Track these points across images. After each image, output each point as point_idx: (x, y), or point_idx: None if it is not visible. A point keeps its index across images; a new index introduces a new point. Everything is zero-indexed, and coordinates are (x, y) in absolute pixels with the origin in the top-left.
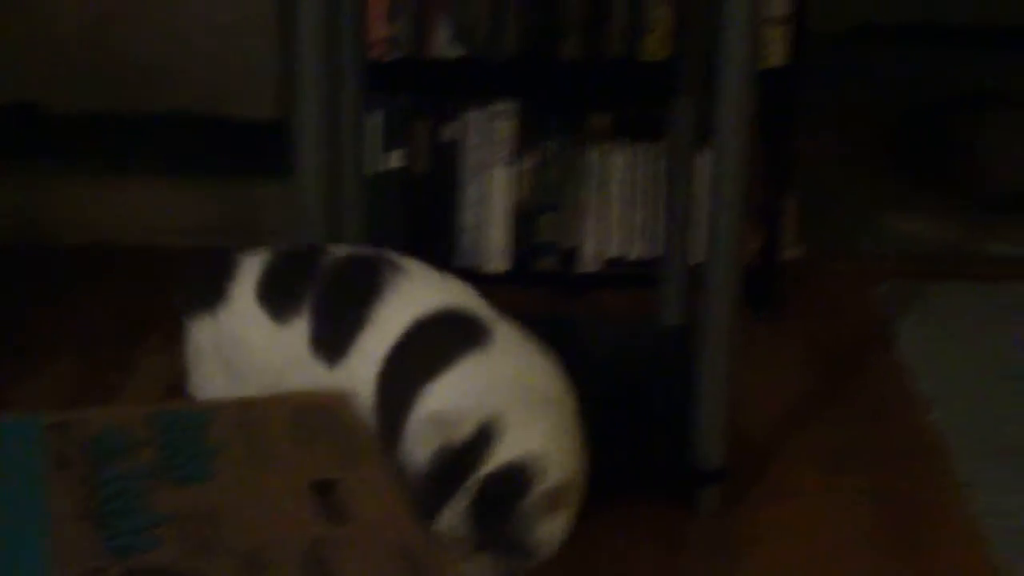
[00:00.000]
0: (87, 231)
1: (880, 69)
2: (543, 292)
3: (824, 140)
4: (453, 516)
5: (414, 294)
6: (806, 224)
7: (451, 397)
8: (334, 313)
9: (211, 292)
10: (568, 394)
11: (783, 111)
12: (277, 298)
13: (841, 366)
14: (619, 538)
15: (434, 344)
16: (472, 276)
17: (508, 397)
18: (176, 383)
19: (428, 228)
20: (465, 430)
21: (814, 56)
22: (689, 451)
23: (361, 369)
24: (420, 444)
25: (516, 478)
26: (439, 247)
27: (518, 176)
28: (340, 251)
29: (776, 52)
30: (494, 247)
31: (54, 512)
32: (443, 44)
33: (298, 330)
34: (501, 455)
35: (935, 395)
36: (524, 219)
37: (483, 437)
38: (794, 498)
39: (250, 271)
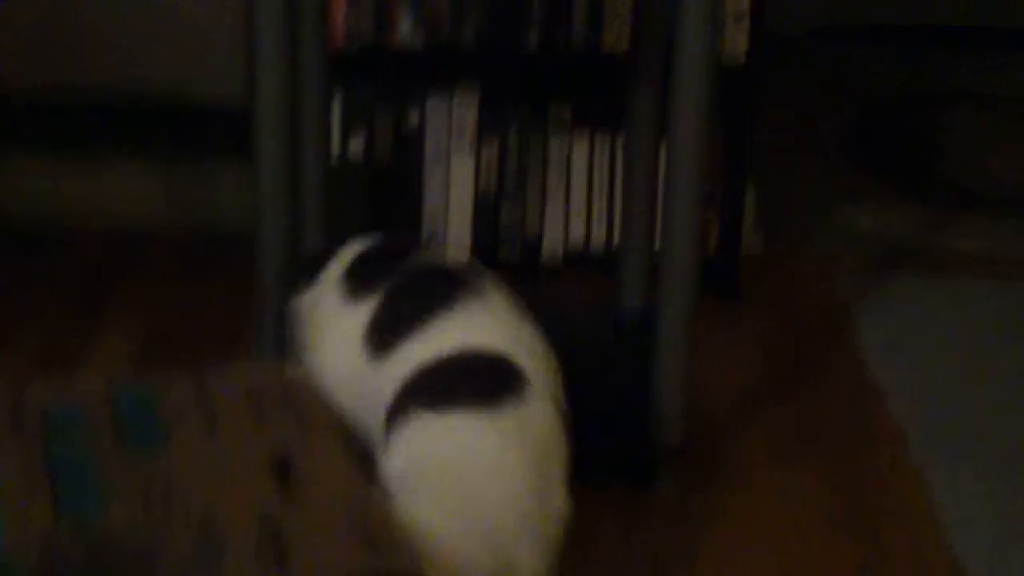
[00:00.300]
0: (45, 214)
1: (842, 68)
2: (505, 279)
3: (784, 135)
4: None
5: (462, 327)
6: (765, 217)
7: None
8: (395, 311)
9: (312, 270)
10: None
11: (742, 105)
12: (354, 281)
13: (800, 355)
14: (577, 514)
15: (431, 388)
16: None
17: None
18: (135, 362)
19: (390, 216)
20: None
21: (775, 53)
22: (648, 431)
23: (393, 374)
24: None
25: None
26: (403, 235)
27: (480, 165)
28: (433, 257)
29: (736, 48)
30: (456, 235)
31: (8, 479)
32: (405, 33)
33: (360, 315)
34: None
35: (892, 384)
36: (486, 207)
37: None
38: (752, 480)
39: (347, 254)
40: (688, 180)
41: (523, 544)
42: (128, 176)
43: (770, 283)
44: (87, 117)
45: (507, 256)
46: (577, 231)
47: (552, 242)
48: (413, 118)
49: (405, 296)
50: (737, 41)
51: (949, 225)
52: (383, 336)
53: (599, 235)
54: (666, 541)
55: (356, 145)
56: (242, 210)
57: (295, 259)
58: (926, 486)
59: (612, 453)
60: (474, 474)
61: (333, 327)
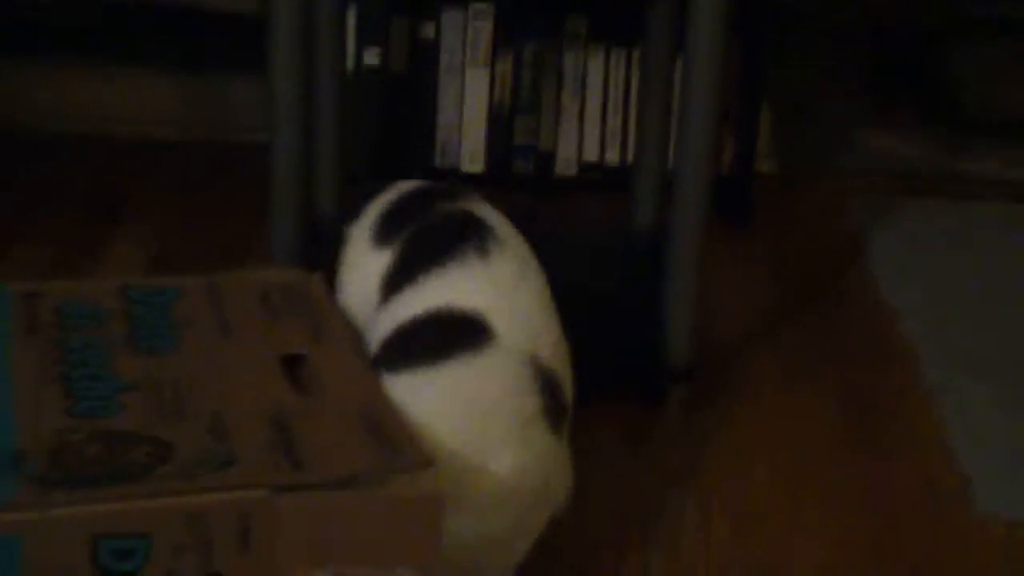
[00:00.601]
0: (57, 122)
1: None
2: (519, 194)
3: (800, 58)
4: None
5: (451, 285)
6: (779, 139)
7: None
8: (401, 263)
9: (357, 211)
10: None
11: (760, 23)
12: (384, 226)
13: (812, 276)
14: (585, 434)
15: (393, 347)
16: (450, 176)
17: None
18: (147, 270)
19: (405, 127)
20: None
21: None
22: (658, 351)
23: (380, 330)
24: None
25: None
26: (416, 147)
27: (494, 78)
28: (463, 203)
29: None
30: (470, 148)
31: (21, 376)
32: None
33: (383, 261)
34: None
35: (904, 306)
36: (500, 121)
37: None
38: (762, 399)
39: (386, 196)
40: (704, 98)
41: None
42: (141, 84)
43: (783, 205)
44: (99, 23)
45: (521, 170)
46: (591, 147)
47: (566, 157)
48: (428, 30)
49: (413, 248)
50: None
51: (963, 150)
52: (386, 288)
53: (613, 151)
54: (674, 459)
55: (371, 56)
56: (256, 119)
57: (352, 194)
58: (937, 407)
59: (621, 372)
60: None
61: (359, 270)
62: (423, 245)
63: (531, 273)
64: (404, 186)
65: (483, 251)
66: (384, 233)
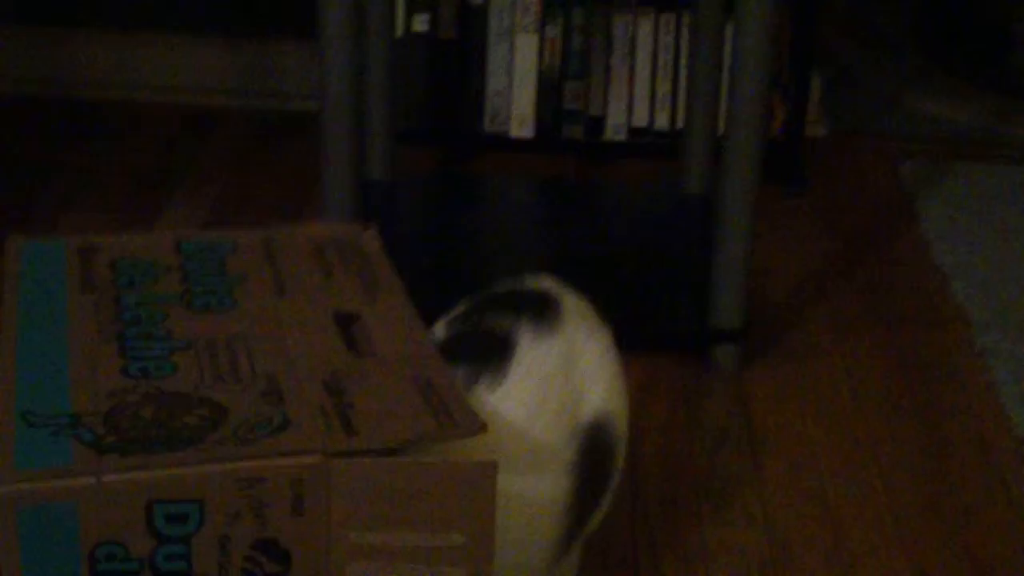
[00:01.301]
0: (105, 87)
1: None
2: (568, 159)
3: (850, 22)
4: None
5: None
6: (829, 103)
7: None
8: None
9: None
10: None
11: None
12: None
13: (863, 239)
14: (634, 393)
15: None
16: (500, 141)
17: None
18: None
19: (454, 93)
20: None
21: None
22: (709, 311)
23: None
24: None
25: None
26: (465, 113)
27: (543, 43)
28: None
29: None
30: (520, 114)
31: (77, 335)
32: None
33: None
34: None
35: (955, 267)
36: (549, 86)
37: None
38: (811, 360)
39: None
40: (754, 62)
41: None
42: (195, 52)
43: (833, 169)
44: None
45: (570, 136)
46: (641, 112)
47: (615, 123)
48: None
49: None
50: None
51: (1012, 114)
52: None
53: (663, 116)
54: (726, 417)
55: (420, 23)
56: (305, 87)
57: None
58: (988, 368)
59: (667, 331)
60: None
61: None
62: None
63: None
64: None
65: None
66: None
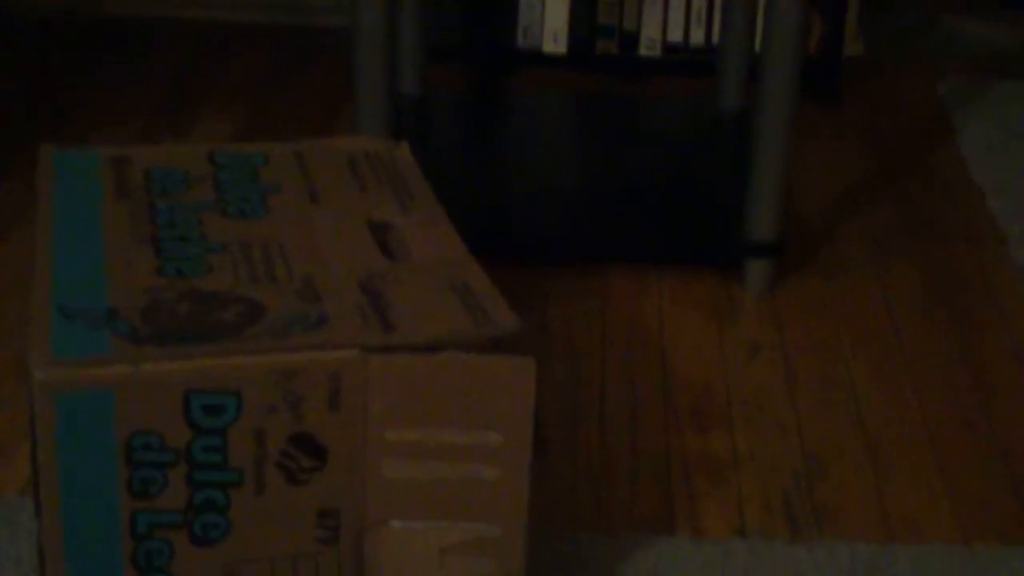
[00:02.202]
0: (132, 2)
1: None
2: (602, 76)
3: None
4: None
5: None
6: (866, 21)
7: None
8: None
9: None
10: None
11: None
12: None
13: (900, 156)
14: (665, 304)
15: None
16: (533, 57)
17: None
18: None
19: (488, 8)
20: None
21: None
22: (743, 225)
23: None
24: None
25: None
26: (499, 28)
27: None
28: None
29: None
30: (553, 29)
31: (112, 237)
32: None
33: None
34: None
35: (993, 185)
36: (583, 1)
37: None
38: (846, 274)
39: None
40: None
41: None
42: None
43: (871, 87)
44: None
45: (604, 51)
46: (675, 27)
47: (650, 38)
48: None
49: None
50: None
51: None
52: None
53: (698, 32)
54: (760, 332)
55: None
56: (334, 1)
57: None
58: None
59: (706, 246)
60: None
61: None
62: None
63: None
64: None
65: None
66: None
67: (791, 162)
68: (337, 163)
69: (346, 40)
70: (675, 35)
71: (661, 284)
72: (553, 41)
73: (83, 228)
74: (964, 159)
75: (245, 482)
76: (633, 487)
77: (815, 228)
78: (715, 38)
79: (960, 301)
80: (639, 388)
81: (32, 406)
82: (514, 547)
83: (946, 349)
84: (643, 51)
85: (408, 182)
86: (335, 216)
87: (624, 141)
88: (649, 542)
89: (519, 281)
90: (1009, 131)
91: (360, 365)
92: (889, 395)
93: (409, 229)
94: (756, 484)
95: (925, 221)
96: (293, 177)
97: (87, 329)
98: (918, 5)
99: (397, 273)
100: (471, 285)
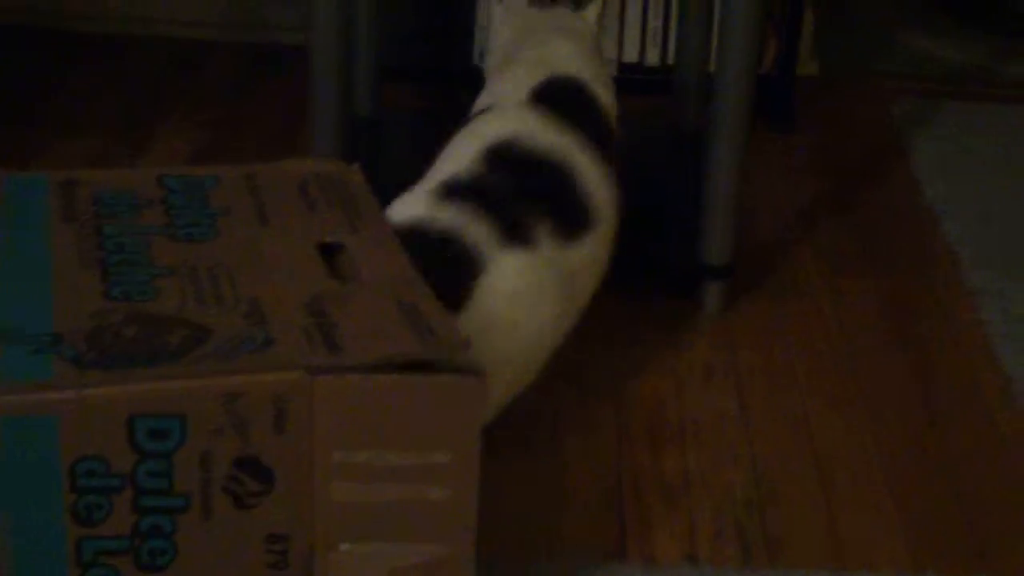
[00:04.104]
0: (92, 18)
1: None
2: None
3: None
4: None
5: None
6: (821, 41)
7: None
8: None
9: None
10: None
11: None
12: None
13: (853, 177)
14: (620, 329)
15: None
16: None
17: None
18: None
19: (443, 26)
20: None
21: None
22: (697, 247)
23: None
24: None
25: None
26: (453, 47)
27: None
28: None
29: None
30: None
31: (59, 261)
32: None
33: None
34: None
35: (946, 207)
36: None
37: None
38: (800, 298)
39: None
40: None
41: None
42: None
43: (825, 107)
44: None
45: None
46: (631, 48)
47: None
48: None
49: None
50: None
51: (1006, 53)
52: None
53: (653, 53)
54: (714, 356)
55: None
56: (294, 19)
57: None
58: (977, 307)
59: (660, 269)
60: None
61: None
62: None
63: None
64: None
65: None
66: None
67: (744, 185)
68: (288, 185)
69: (304, 58)
70: (631, 55)
71: (616, 305)
72: None
73: (30, 252)
74: (917, 181)
75: (192, 507)
76: (585, 510)
77: (769, 249)
78: (671, 58)
79: (913, 325)
80: (592, 410)
81: None
82: (464, 566)
83: (899, 373)
84: None
85: (358, 203)
86: (284, 238)
87: None
88: (600, 567)
89: None
90: (962, 152)
91: (305, 386)
92: (841, 419)
93: (358, 249)
94: (708, 510)
95: (878, 243)
96: (243, 200)
97: (31, 354)
98: (873, 24)
99: (344, 293)
100: (418, 304)
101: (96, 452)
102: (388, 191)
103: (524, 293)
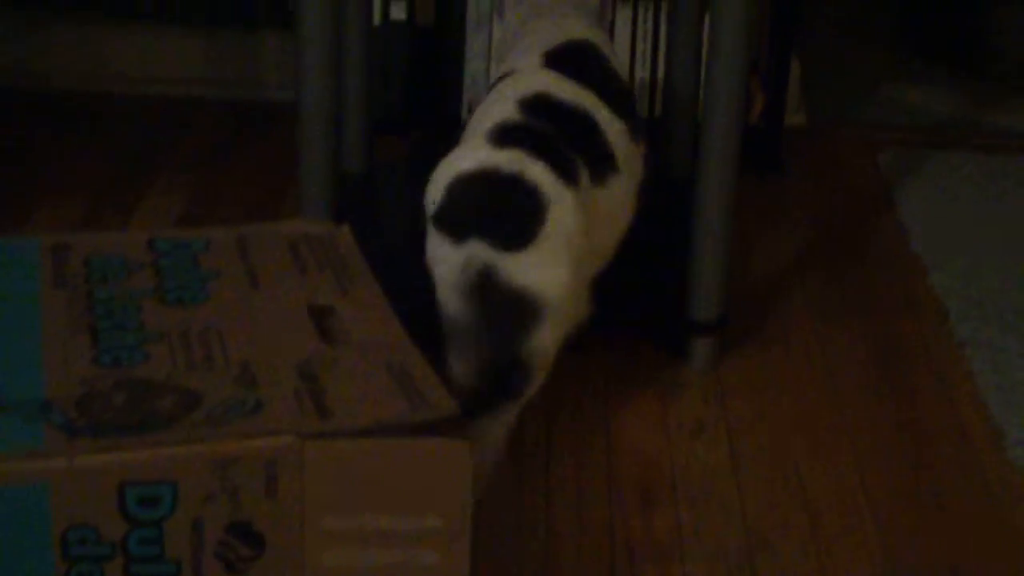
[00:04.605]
0: (81, 77)
1: None
2: None
3: (830, 9)
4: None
5: None
6: (809, 91)
7: None
8: None
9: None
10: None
11: None
12: None
13: (841, 228)
14: (610, 384)
15: None
16: None
17: None
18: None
19: (432, 81)
20: None
21: None
22: (686, 302)
23: None
24: None
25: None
26: (443, 100)
27: None
28: None
29: None
30: None
31: (49, 327)
32: None
33: None
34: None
35: (934, 258)
36: None
37: None
38: (789, 350)
39: None
40: (733, 49)
41: None
42: (170, 42)
43: (812, 157)
44: None
45: None
46: None
47: None
48: None
49: None
50: None
51: (992, 104)
52: None
53: (641, 104)
54: (704, 408)
55: (398, 11)
56: (284, 76)
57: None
58: (966, 358)
59: (649, 324)
60: None
61: None
62: None
63: None
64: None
65: None
66: None
67: (732, 241)
68: (279, 247)
69: (295, 114)
70: None
71: (605, 360)
72: None
73: (20, 318)
74: (905, 231)
75: (183, 573)
76: (578, 568)
77: (758, 300)
78: (659, 110)
79: (902, 375)
80: (584, 467)
81: None
82: None
83: (888, 424)
84: None
85: (348, 265)
86: (275, 301)
87: None
88: None
89: None
90: (949, 202)
91: (296, 451)
92: (831, 471)
93: (348, 312)
94: (701, 565)
95: (867, 294)
96: (234, 263)
97: (21, 421)
98: (860, 74)
99: (335, 357)
100: (408, 368)
101: (87, 521)
102: (378, 245)
103: (576, 231)
